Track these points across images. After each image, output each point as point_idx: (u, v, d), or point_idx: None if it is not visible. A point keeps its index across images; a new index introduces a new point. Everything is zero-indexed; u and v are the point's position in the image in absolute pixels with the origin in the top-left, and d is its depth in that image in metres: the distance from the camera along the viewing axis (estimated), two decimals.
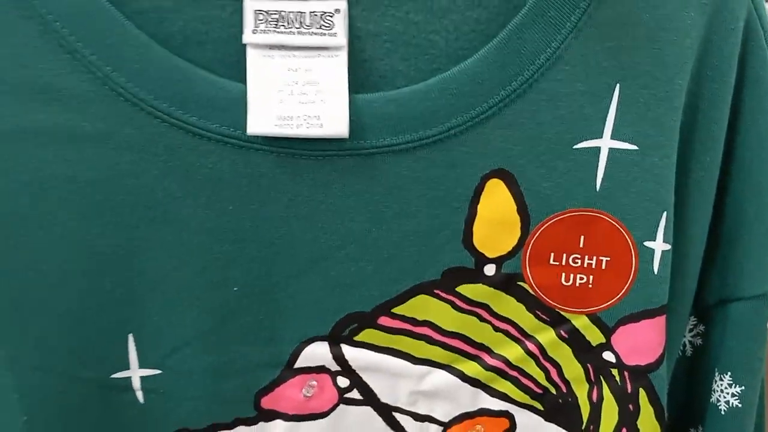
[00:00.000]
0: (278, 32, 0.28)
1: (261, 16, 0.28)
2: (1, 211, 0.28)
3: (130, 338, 0.31)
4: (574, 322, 0.33)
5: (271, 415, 0.33)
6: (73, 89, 0.27)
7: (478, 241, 0.31)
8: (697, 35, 0.29)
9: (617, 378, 0.33)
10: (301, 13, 0.28)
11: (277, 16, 0.28)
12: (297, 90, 0.28)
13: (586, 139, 0.30)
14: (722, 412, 0.34)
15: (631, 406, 0.33)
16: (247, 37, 0.28)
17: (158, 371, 0.31)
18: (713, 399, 0.35)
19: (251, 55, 0.28)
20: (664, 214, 0.31)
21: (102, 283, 0.29)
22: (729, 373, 0.34)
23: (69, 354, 0.30)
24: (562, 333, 0.33)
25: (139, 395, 0.32)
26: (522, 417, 0.34)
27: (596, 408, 0.34)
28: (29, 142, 0.27)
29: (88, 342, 0.30)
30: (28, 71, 0.27)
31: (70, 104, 0.27)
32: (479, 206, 0.31)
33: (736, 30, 0.30)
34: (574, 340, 0.33)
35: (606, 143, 0.30)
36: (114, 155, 0.28)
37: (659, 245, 0.31)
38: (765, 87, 0.31)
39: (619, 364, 0.33)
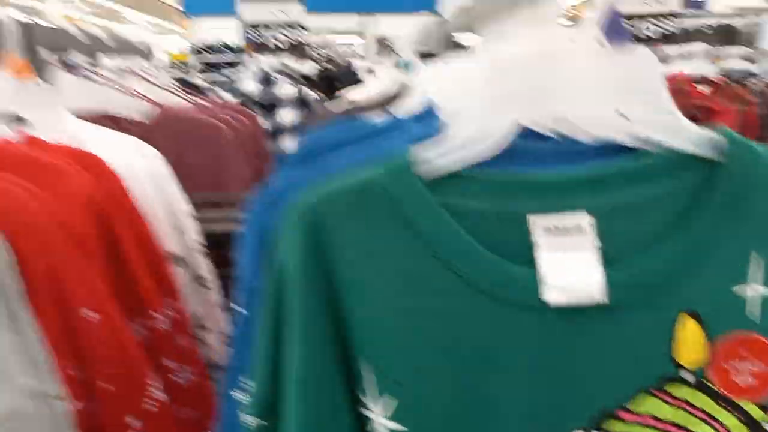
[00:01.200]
0: (554, 237, 0.46)
1: (542, 228, 0.47)
2: (419, 352, 0.45)
3: None
4: (745, 407, 0.49)
5: None
6: (454, 290, 0.46)
7: (680, 356, 0.48)
8: None
9: None
10: (567, 226, 0.47)
11: (551, 227, 0.47)
12: (572, 272, 0.46)
13: (738, 284, 0.48)
14: None
15: None
16: (536, 239, 0.46)
17: None
18: None
19: (541, 252, 0.46)
20: None
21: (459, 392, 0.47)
22: None
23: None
24: (739, 416, 0.49)
25: None
26: None
27: None
28: (428, 315, 0.46)
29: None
30: (430, 284, 0.46)
31: (451, 296, 0.46)
32: (679, 332, 0.48)
33: None
34: (747, 420, 0.49)
35: (755, 289, 0.48)
36: (469, 319, 0.46)
37: None
38: None
39: None
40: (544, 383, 0.47)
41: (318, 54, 6.13)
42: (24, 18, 0.95)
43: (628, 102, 0.49)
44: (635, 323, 0.47)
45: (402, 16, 7.52)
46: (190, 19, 6.67)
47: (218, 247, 1.06)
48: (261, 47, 3.03)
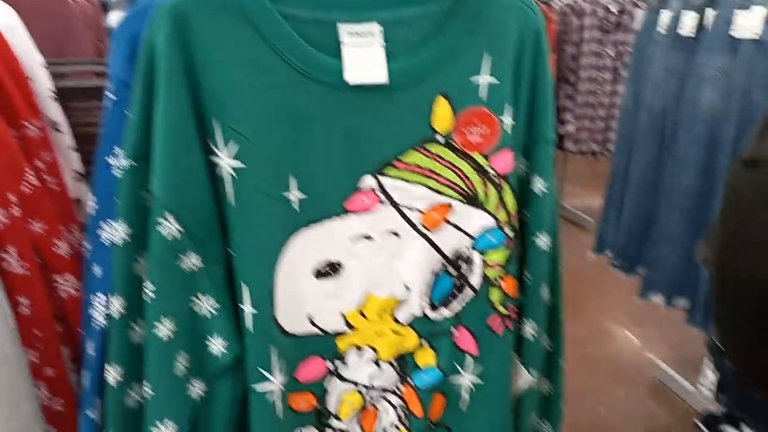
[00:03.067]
0: (354, 38, 0.68)
1: (347, 32, 0.68)
2: (255, 112, 0.66)
3: (291, 178, 0.69)
4: (475, 157, 0.76)
5: (349, 212, 0.73)
6: (282, 71, 0.66)
7: (435, 124, 0.73)
8: (518, 32, 0.74)
9: (495, 180, 0.77)
10: (363, 31, 0.69)
11: (353, 32, 0.68)
12: (365, 62, 0.69)
13: (474, 75, 0.73)
14: (539, 194, 0.80)
15: (501, 190, 0.78)
16: (342, 39, 0.68)
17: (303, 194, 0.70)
18: (536, 190, 0.80)
19: (345, 48, 0.68)
20: (509, 107, 0.75)
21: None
22: (537, 174, 0.79)
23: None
24: (470, 163, 0.76)
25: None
26: (455, 203, 0.77)
27: (486, 194, 0.78)
28: (263, 87, 0.66)
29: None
30: (265, 65, 0.65)
31: (280, 75, 0.66)
32: (435, 107, 0.73)
33: (535, 34, 0.75)
34: (475, 165, 0.76)
35: (484, 78, 0.74)
36: (293, 91, 0.67)
37: (508, 120, 0.76)
38: (544, 60, 0.76)
39: (496, 174, 0.77)
40: (342, 139, 0.70)
41: None
42: None
43: None
44: (406, 100, 0.72)
45: None
46: None
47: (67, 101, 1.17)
48: None
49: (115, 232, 0.66)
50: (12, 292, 0.74)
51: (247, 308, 0.71)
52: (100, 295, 0.70)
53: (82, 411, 0.74)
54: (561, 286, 0.90)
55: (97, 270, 0.70)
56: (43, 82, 1.11)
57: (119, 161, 0.66)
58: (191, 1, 0.64)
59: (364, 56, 0.69)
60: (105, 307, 0.69)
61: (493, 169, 0.77)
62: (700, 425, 0.75)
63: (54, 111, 1.13)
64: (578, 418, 2.19)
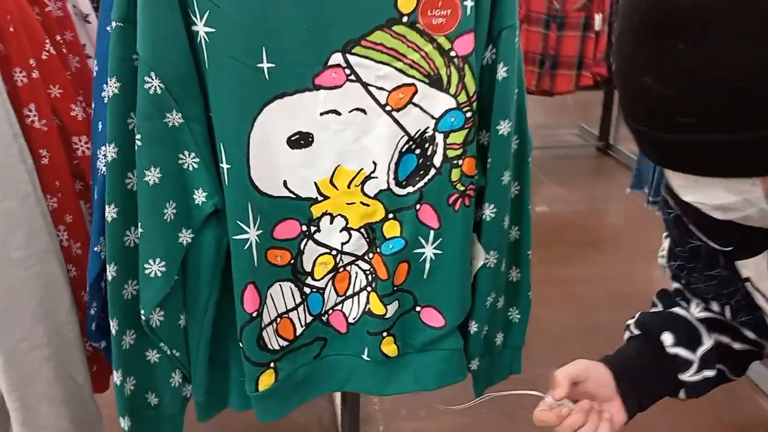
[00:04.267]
0: None
1: None
2: None
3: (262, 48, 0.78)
4: (438, 40, 0.82)
5: (319, 87, 0.82)
6: None
7: (400, 6, 0.80)
8: None
9: (456, 62, 0.83)
10: None
11: None
12: None
13: None
14: (500, 80, 0.85)
15: (462, 72, 0.84)
16: None
17: (274, 65, 0.79)
18: (498, 77, 0.86)
19: None
20: None
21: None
22: (501, 61, 0.85)
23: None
24: (433, 45, 0.82)
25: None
26: (420, 85, 0.84)
27: (449, 77, 0.84)
28: None
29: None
30: None
31: None
32: None
33: None
34: (438, 47, 0.82)
35: None
36: None
37: (469, 2, 0.81)
38: None
39: (456, 55, 0.83)
40: (311, 15, 0.78)
41: None
42: None
43: None
44: None
45: None
46: None
47: None
48: None
49: (109, 88, 0.76)
50: (35, 145, 0.88)
51: (224, 165, 0.81)
52: (102, 147, 0.82)
53: (91, 248, 0.87)
54: (529, 174, 0.96)
55: (99, 125, 0.82)
56: None
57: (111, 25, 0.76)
58: None
59: None
60: (104, 156, 0.81)
61: (455, 50, 0.83)
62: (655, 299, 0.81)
63: (83, 4, 1.25)
64: (603, 349, 2.23)
